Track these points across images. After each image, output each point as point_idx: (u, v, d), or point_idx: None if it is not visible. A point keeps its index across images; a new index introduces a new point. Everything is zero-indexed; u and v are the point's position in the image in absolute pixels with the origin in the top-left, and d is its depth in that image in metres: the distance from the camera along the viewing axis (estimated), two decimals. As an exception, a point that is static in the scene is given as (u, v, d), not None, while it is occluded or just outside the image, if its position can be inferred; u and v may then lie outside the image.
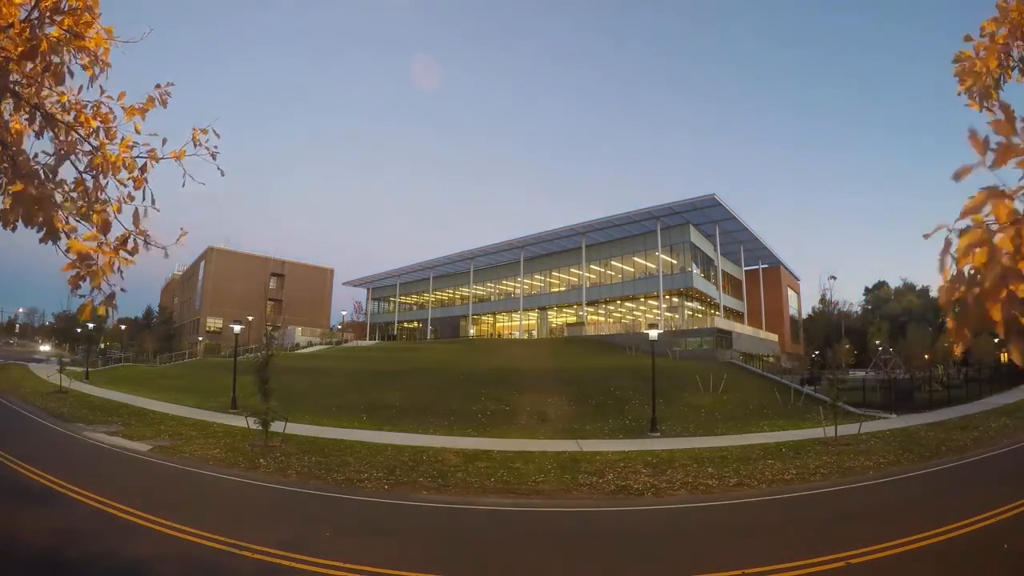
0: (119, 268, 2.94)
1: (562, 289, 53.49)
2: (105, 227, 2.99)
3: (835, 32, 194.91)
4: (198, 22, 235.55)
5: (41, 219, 2.85)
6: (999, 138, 2.13)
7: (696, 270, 44.50)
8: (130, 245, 2.97)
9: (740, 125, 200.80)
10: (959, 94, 3.95)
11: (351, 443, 15.57)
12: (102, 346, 57.41)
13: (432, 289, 65.84)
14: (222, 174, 3.27)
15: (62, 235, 2.97)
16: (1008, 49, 3.67)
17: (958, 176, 1.89)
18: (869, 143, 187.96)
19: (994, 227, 1.72)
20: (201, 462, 13.08)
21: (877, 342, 50.11)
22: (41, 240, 2.95)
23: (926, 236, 1.97)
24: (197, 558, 6.60)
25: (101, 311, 2.89)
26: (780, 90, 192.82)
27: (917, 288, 79.94)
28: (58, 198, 2.99)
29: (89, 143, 3.20)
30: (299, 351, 51.15)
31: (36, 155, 3.18)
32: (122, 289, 2.94)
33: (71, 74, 3.25)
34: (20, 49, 3.00)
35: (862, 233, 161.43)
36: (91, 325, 55.74)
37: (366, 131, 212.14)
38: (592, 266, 50.48)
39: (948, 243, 1.80)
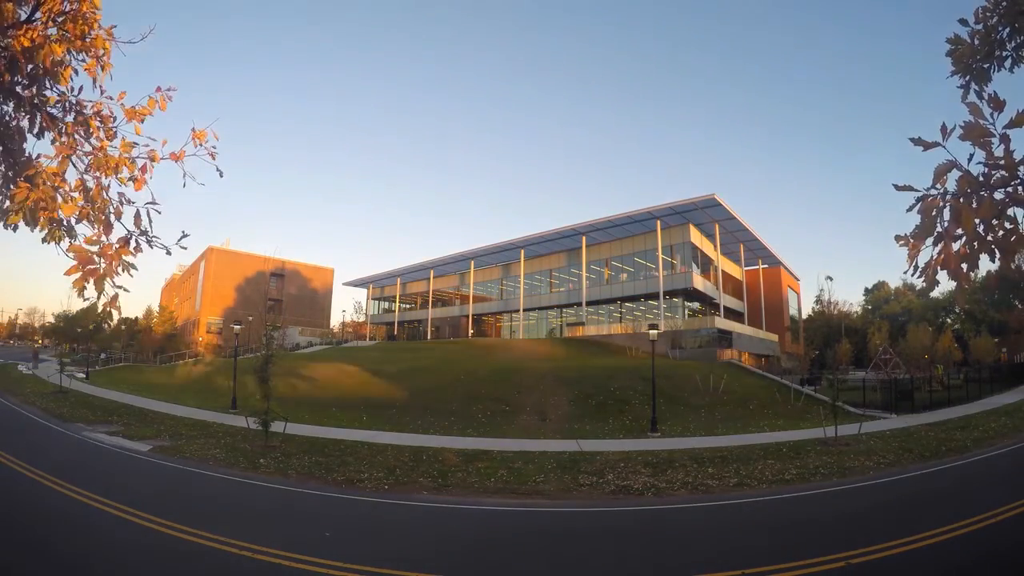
0: (124, 268, 2.94)
1: (562, 289, 53.44)
2: (107, 228, 2.99)
3: (835, 31, 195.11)
4: (198, 21, 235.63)
5: (42, 220, 2.85)
6: (969, 118, 2.40)
7: (696, 270, 44.45)
8: (132, 245, 2.97)
9: (740, 125, 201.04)
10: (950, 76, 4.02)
11: (351, 443, 15.57)
12: (104, 353, 57.23)
13: (432, 289, 65.82)
14: (221, 175, 3.27)
15: (64, 237, 2.98)
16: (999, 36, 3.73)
17: (925, 147, 2.62)
18: (870, 143, 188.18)
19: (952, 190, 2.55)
20: (201, 462, 13.08)
21: (877, 342, 50.03)
22: (44, 241, 2.96)
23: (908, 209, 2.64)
24: (197, 558, 6.60)
25: (104, 313, 2.90)
26: (781, 89, 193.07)
27: (917, 288, 79.97)
28: (59, 199, 2.99)
29: (89, 144, 3.21)
30: (299, 351, 51.13)
31: (38, 156, 3.19)
32: (125, 289, 2.94)
33: (76, 72, 3.25)
34: (21, 49, 3.00)
35: (862, 233, 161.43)
36: (92, 326, 55.70)
37: (365, 129, 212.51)
38: (592, 266, 50.44)
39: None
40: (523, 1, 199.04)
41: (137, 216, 3.05)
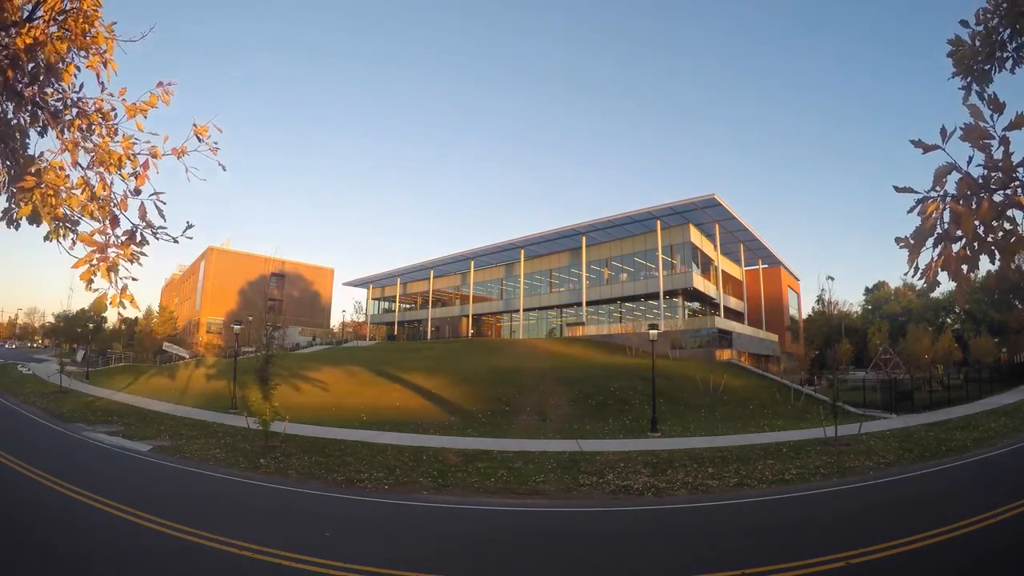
0: (133, 258, 2.95)
1: (562, 289, 53.44)
2: (113, 222, 3.00)
3: (836, 32, 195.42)
4: (197, 19, 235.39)
5: (47, 217, 2.86)
6: (969, 120, 2.41)
7: (696, 270, 44.44)
8: (138, 238, 2.98)
9: (741, 125, 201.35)
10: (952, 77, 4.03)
11: (351, 443, 15.58)
12: (94, 353, 57.11)
13: (432, 289, 65.83)
14: (224, 169, 3.28)
15: (68, 233, 2.99)
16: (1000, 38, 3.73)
17: (925, 150, 2.64)
18: (871, 144, 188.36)
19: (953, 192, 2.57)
20: (201, 462, 13.09)
21: (877, 342, 50.04)
22: (46, 238, 2.96)
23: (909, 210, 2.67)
24: (197, 557, 6.61)
25: (115, 302, 2.90)
26: (781, 89, 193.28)
27: (917, 288, 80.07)
28: (63, 194, 3.00)
29: (91, 141, 3.21)
30: (299, 351, 51.12)
31: (40, 154, 3.19)
32: (134, 278, 2.95)
33: (78, 70, 3.26)
34: (23, 47, 3.01)
35: (863, 233, 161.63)
36: (91, 325, 55.73)
37: (366, 129, 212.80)
38: (592, 266, 50.44)
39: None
40: (524, 2, 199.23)
41: (142, 208, 3.06)
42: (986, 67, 3.90)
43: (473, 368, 29.05)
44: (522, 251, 53.24)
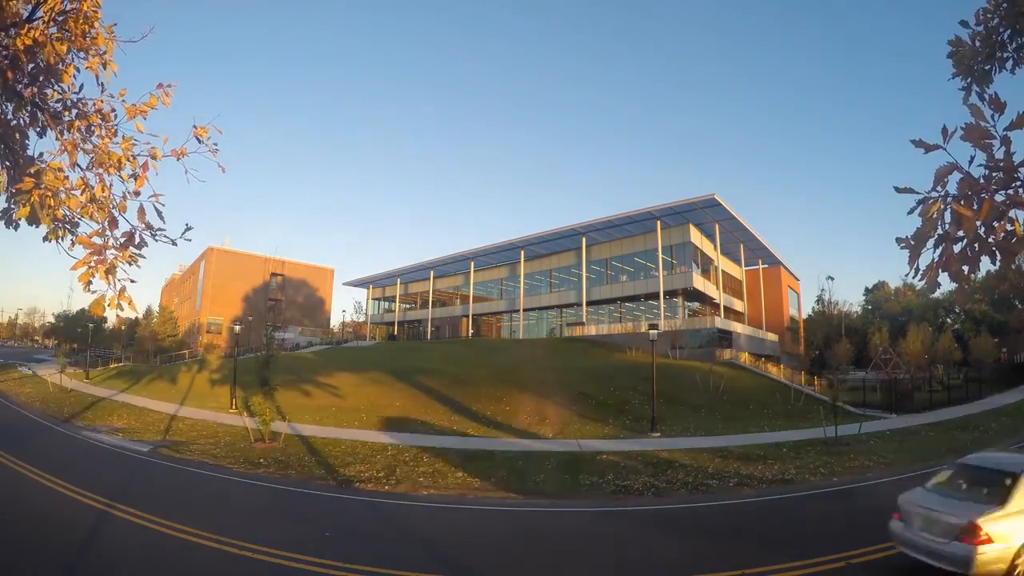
0: (131, 260, 2.95)
1: (562, 289, 53.46)
2: (112, 223, 3.00)
3: (837, 31, 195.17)
4: (198, 20, 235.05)
5: (46, 218, 2.86)
6: (970, 119, 2.41)
7: (696, 270, 44.44)
8: (136, 240, 2.98)
9: (740, 125, 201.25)
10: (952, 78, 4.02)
11: (351, 443, 15.59)
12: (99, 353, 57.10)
13: (433, 289, 65.85)
14: (223, 171, 3.28)
15: (67, 234, 2.98)
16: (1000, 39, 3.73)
17: (927, 150, 2.63)
18: (871, 143, 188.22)
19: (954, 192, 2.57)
20: (202, 462, 13.09)
21: (877, 342, 50.00)
22: (45, 239, 2.96)
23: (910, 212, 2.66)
24: (197, 557, 6.61)
25: (114, 305, 2.90)
26: (782, 89, 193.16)
27: (917, 288, 80.00)
28: (63, 195, 3.00)
29: (91, 142, 3.21)
30: (299, 351, 51.12)
31: (40, 155, 3.19)
32: (132, 280, 2.95)
33: (78, 71, 3.26)
34: (23, 48, 3.01)
35: (863, 233, 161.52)
36: (91, 325, 55.80)
37: (366, 128, 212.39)
38: (592, 266, 50.45)
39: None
40: (525, 2, 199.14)
41: (141, 210, 3.06)
42: (986, 67, 3.89)
43: (474, 368, 29.05)
44: (522, 251, 53.26)
